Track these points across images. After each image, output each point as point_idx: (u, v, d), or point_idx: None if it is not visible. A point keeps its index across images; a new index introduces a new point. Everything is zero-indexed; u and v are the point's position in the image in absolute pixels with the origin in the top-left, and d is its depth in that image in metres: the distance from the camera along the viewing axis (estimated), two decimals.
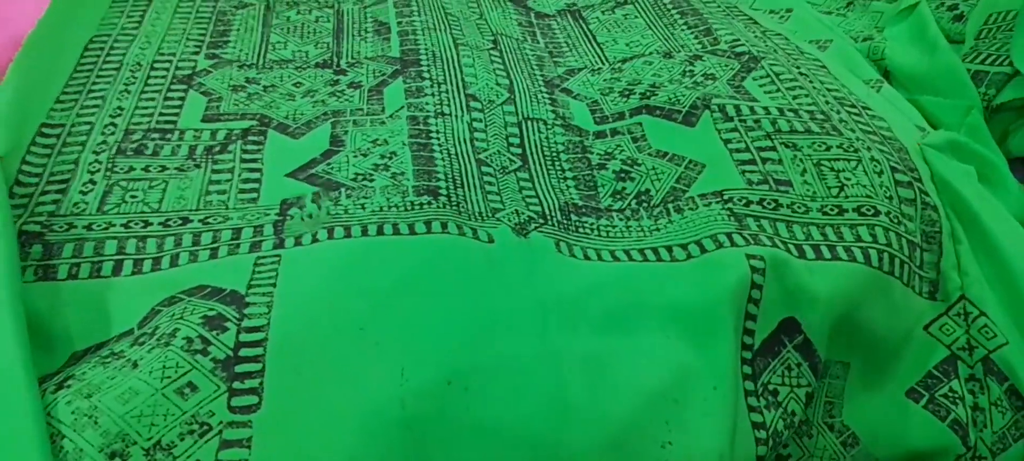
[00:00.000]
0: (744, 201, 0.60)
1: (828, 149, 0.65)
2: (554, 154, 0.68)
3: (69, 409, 0.42)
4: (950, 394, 0.59)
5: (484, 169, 0.64)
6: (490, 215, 0.59)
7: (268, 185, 0.60)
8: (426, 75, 0.76)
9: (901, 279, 0.58)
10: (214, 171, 0.61)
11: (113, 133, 0.64)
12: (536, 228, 0.58)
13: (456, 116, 0.70)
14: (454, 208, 0.58)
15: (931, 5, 0.95)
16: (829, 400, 0.59)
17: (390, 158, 0.63)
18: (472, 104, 0.72)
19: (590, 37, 0.89)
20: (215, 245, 0.54)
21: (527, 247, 0.55)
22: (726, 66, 0.77)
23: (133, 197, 0.58)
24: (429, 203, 0.57)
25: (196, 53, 0.77)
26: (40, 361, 0.46)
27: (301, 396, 0.44)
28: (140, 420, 0.42)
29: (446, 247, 0.53)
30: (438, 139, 0.66)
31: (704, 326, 0.51)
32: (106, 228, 0.55)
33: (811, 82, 0.75)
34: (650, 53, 0.82)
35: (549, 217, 0.60)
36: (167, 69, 0.74)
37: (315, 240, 0.53)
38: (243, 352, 0.45)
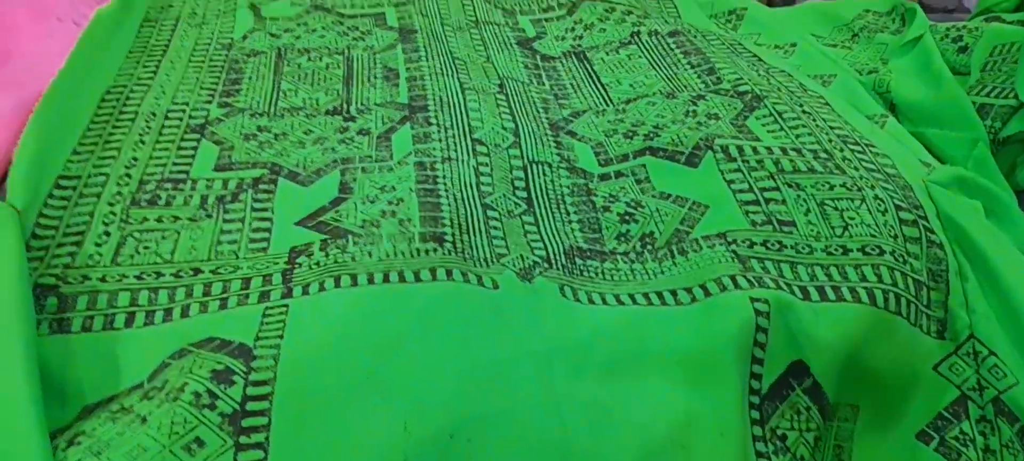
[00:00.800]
0: (748, 242, 0.61)
1: (831, 188, 0.65)
2: (559, 197, 0.68)
3: None
4: (961, 436, 0.58)
5: (490, 213, 0.65)
6: (495, 260, 0.59)
7: (278, 234, 0.61)
8: (433, 120, 0.77)
9: (908, 319, 0.58)
10: (225, 220, 0.62)
11: (128, 184, 0.65)
12: (541, 273, 0.58)
13: (462, 161, 0.70)
14: (459, 254, 0.58)
15: (935, 36, 0.95)
16: (838, 444, 0.59)
17: (397, 204, 0.64)
18: (478, 148, 0.73)
19: (594, 78, 0.89)
20: (225, 296, 0.54)
21: (532, 293, 0.56)
22: (729, 105, 0.78)
23: (146, 248, 0.59)
24: (434, 250, 0.58)
25: (209, 102, 0.78)
26: (53, 415, 0.46)
27: (305, 449, 0.45)
28: None
29: (451, 295, 0.53)
30: (445, 184, 0.67)
31: (709, 371, 0.51)
32: (119, 279, 0.56)
33: (814, 120, 0.75)
34: (653, 93, 0.83)
35: (553, 261, 0.60)
36: (181, 118, 0.75)
37: (322, 289, 0.54)
38: (250, 406, 0.46)
